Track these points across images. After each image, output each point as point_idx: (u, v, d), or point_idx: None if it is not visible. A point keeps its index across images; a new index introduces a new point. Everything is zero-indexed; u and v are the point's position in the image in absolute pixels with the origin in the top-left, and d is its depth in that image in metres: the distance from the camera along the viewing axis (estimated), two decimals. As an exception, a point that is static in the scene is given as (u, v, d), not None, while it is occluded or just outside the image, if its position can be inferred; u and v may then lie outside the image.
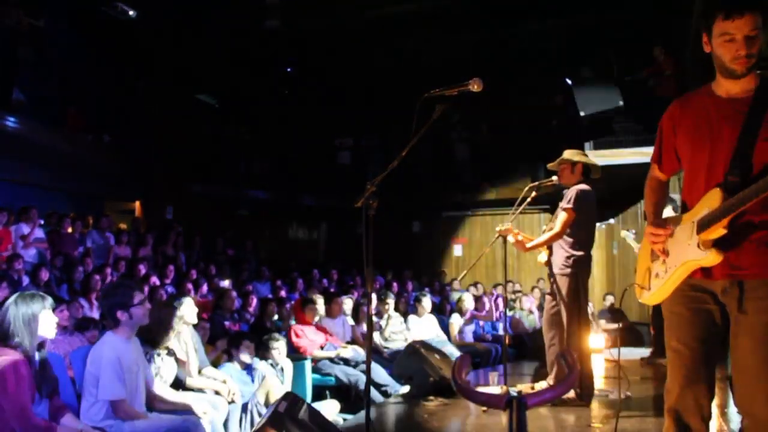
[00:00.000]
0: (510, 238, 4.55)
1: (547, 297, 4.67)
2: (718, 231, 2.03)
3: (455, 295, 9.45)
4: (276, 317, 6.83)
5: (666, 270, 2.18)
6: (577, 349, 4.35)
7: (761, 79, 2.07)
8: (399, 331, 7.21)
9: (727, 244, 2.03)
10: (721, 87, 2.14)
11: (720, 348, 2.14)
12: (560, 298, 4.46)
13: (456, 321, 7.78)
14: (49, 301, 3.10)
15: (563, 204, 4.43)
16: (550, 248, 4.63)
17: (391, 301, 7.29)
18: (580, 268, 4.42)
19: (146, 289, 6.65)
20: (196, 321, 4.71)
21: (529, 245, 4.54)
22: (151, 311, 3.29)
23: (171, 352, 4.10)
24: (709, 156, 2.11)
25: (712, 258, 2.04)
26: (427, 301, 7.53)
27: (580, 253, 4.42)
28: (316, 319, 6.51)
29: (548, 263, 4.63)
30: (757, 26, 2.00)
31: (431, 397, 4.88)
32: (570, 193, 4.42)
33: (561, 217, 4.39)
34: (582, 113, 8.53)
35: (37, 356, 3.01)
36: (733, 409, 4.46)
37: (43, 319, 3.02)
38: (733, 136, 2.06)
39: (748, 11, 1.99)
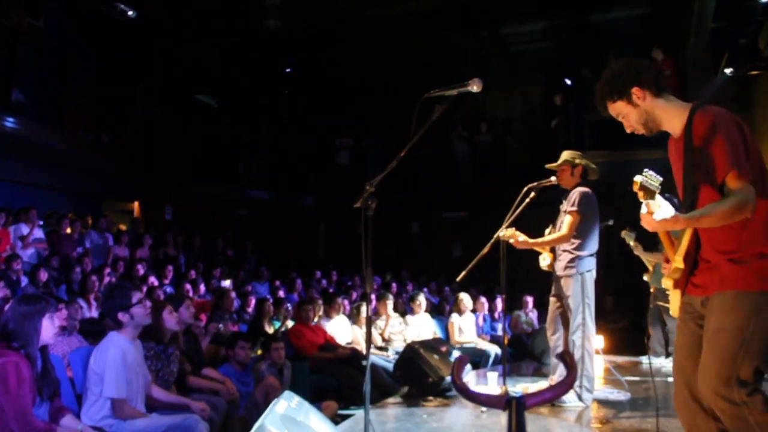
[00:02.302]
0: (512, 241, 4.55)
1: (552, 298, 4.68)
2: (675, 263, 2.34)
3: (454, 296, 9.44)
4: (275, 317, 6.83)
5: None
6: (581, 349, 4.35)
7: (688, 115, 2.26)
8: (398, 331, 7.20)
9: (701, 269, 2.31)
10: (669, 131, 2.40)
11: None
12: (565, 299, 4.46)
13: (456, 320, 7.77)
14: (54, 303, 3.09)
15: (567, 207, 4.44)
16: (553, 251, 4.64)
17: (390, 302, 7.28)
18: (585, 269, 4.44)
19: (144, 289, 6.64)
20: (193, 322, 4.70)
21: (532, 241, 4.53)
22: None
23: (177, 349, 4.11)
24: (680, 191, 2.37)
25: (667, 284, 2.40)
26: (422, 299, 7.51)
27: (585, 254, 4.44)
28: (316, 319, 6.50)
29: (551, 266, 4.65)
30: (618, 113, 2.36)
31: (431, 397, 4.88)
32: (573, 196, 4.44)
33: (567, 219, 4.40)
34: (582, 114, 8.53)
35: (39, 358, 3.00)
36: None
37: (45, 322, 3.01)
38: (680, 173, 2.32)
39: (604, 111, 2.39)
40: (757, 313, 2.11)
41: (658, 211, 2.12)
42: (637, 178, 2.08)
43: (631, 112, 2.32)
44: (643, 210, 2.13)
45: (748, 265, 2.15)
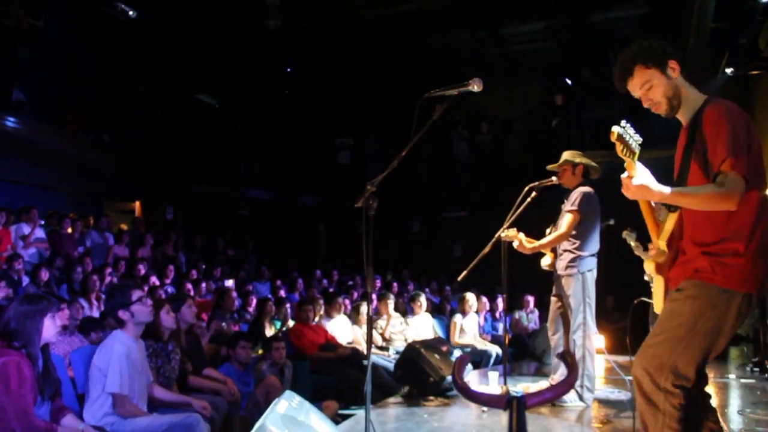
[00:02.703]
0: (515, 243, 4.56)
1: (553, 298, 4.68)
2: (657, 244, 2.33)
3: (455, 295, 9.44)
4: (276, 317, 6.83)
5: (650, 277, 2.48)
6: (582, 349, 4.36)
7: (700, 106, 2.25)
8: (399, 331, 7.20)
9: (682, 260, 2.31)
10: (680, 119, 2.37)
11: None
12: (566, 298, 4.47)
13: (459, 320, 7.77)
14: (55, 303, 3.09)
15: (568, 206, 4.45)
16: (554, 251, 4.64)
17: (391, 302, 7.28)
18: (586, 269, 4.44)
19: (145, 289, 6.64)
20: (194, 321, 4.71)
21: (532, 245, 4.55)
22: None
23: (177, 346, 4.12)
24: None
25: (647, 266, 2.41)
26: (423, 300, 7.52)
27: (586, 254, 4.44)
28: (316, 319, 6.50)
29: (552, 266, 4.65)
30: (645, 81, 2.27)
31: (431, 397, 4.88)
32: (574, 196, 4.45)
33: (567, 218, 4.41)
34: (582, 114, 8.54)
35: (41, 358, 3.00)
36: (733, 409, 4.47)
37: (48, 322, 3.01)
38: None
39: (628, 77, 2.29)
40: (713, 307, 2.11)
41: (637, 175, 2.07)
42: (615, 128, 2.00)
43: (661, 83, 2.25)
44: (624, 174, 2.09)
45: (720, 260, 2.14)
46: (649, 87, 2.26)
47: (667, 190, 2.09)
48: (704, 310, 2.11)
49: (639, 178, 2.07)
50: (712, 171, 2.12)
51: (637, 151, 2.05)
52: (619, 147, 2.02)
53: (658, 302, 2.37)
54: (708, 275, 2.14)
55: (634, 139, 2.03)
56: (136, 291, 3.53)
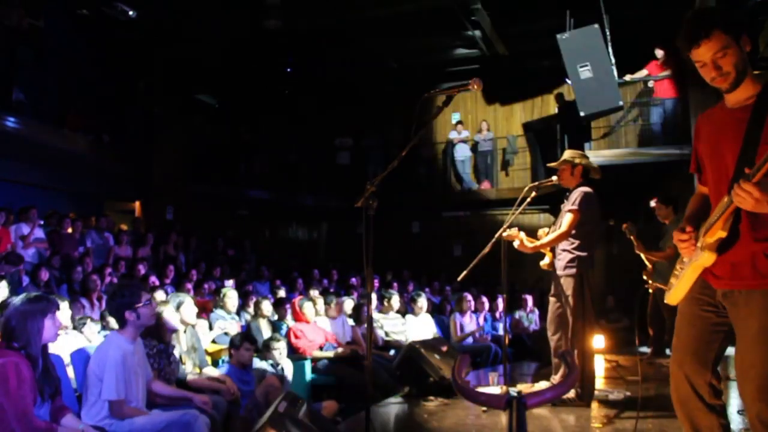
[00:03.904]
0: (515, 243, 4.56)
1: (551, 298, 4.68)
2: (717, 233, 2.09)
3: (455, 295, 9.44)
4: (275, 317, 6.82)
5: (681, 272, 2.29)
6: (580, 349, 4.36)
7: (765, 83, 2.10)
8: (399, 331, 7.20)
9: (730, 255, 2.11)
10: (727, 98, 2.21)
11: (719, 349, 2.23)
12: (565, 299, 4.47)
13: (458, 320, 7.78)
14: (56, 303, 3.09)
15: (568, 206, 4.44)
16: (552, 250, 4.64)
17: (394, 301, 7.31)
18: (585, 269, 4.44)
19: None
20: (195, 321, 4.71)
21: (533, 245, 4.55)
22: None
23: (177, 348, 4.12)
24: (722, 165, 2.17)
25: (705, 258, 2.13)
26: (423, 300, 7.53)
27: (584, 253, 4.44)
28: (316, 319, 6.50)
29: (551, 265, 4.65)
30: (721, 47, 2.06)
31: (431, 397, 4.88)
32: (574, 195, 4.45)
33: (567, 218, 4.41)
34: (582, 113, 8.53)
35: (40, 358, 3.00)
36: (733, 409, 4.45)
37: (48, 323, 3.01)
38: (738, 143, 2.10)
39: (704, 39, 2.06)
40: None
41: (762, 181, 1.88)
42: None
43: (735, 54, 2.08)
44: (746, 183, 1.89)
45: None
46: (723, 55, 2.07)
47: None
48: None
49: (766, 185, 1.89)
50: None
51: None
52: None
53: (679, 293, 2.27)
54: None
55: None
56: (144, 293, 3.52)
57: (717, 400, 2.21)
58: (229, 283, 8.44)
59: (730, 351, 2.23)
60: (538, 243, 4.55)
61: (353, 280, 10.38)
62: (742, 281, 2.09)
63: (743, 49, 2.11)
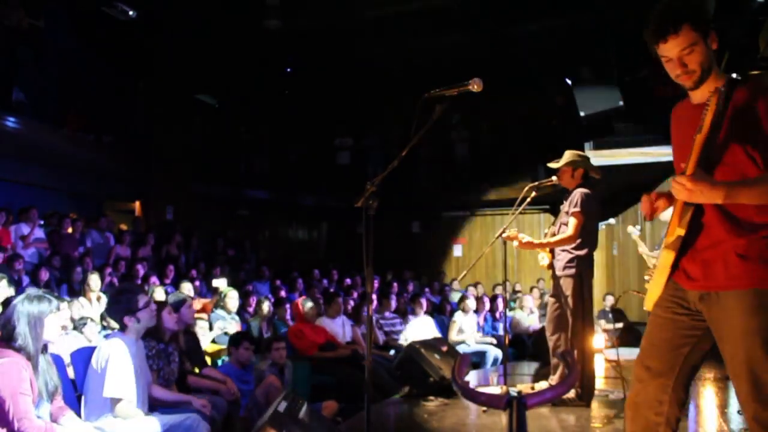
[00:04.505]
0: (515, 243, 4.56)
1: (550, 299, 4.68)
2: (675, 231, 2.07)
3: (455, 296, 9.45)
4: (276, 317, 6.83)
5: (652, 275, 2.25)
6: (580, 349, 4.36)
7: (726, 82, 2.07)
8: (399, 331, 7.22)
9: (694, 255, 2.09)
10: (692, 95, 2.19)
11: (696, 353, 2.15)
12: (564, 299, 4.47)
13: (459, 319, 7.78)
14: (56, 303, 3.10)
15: (570, 208, 4.44)
16: (552, 251, 4.64)
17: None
18: (584, 269, 4.44)
19: (146, 288, 6.64)
20: (194, 321, 4.72)
21: (536, 242, 4.54)
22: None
23: (176, 348, 4.12)
24: (685, 161, 2.14)
25: (664, 257, 2.11)
26: (423, 300, 7.55)
27: (583, 253, 4.44)
28: (316, 319, 6.51)
29: (551, 266, 4.65)
30: (688, 44, 2.03)
31: (431, 397, 4.88)
32: (575, 197, 4.44)
33: (572, 221, 4.39)
34: (582, 113, 8.53)
35: (40, 359, 3.00)
36: (733, 409, 4.46)
37: (48, 322, 3.01)
38: (685, 144, 2.09)
39: (671, 34, 2.02)
40: None
41: (696, 171, 1.90)
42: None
43: (702, 51, 2.03)
44: (679, 175, 1.90)
45: (759, 261, 1.98)
46: (690, 51, 2.03)
47: (729, 188, 1.93)
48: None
49: (699, 176, 1.92)
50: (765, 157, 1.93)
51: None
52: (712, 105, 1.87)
53: (652, 297, 2.22)
54: (759, 282, 1.98)
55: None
56: (142, 296, 3.53)
57: (675, 410, 2.12)
58: (221, 281, 8.43)
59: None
60: (543, 241, 4.55)
61: (352, 280, 10.39)
62: (716, 282, 2.05)
63: (710, 47, 2.07)
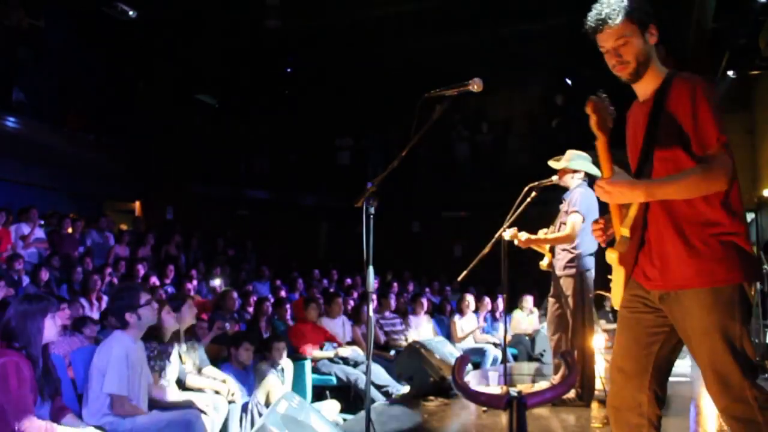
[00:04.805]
0: (516, 241, 4.55)
1: (551, 299, 4.68)
2: (620, 231, 2.10)
3: (455, 296, 9.44)
4: (275, 317, 6.83)
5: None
6: (580, 349, 4.36)
7: (664, 79, 2.11)
8: (399, 331, 7.22)
9: (650, 254, 2.11)
10: (636, 91, 2.22)
11: (666, 348, 2.16)
12: (564, 299, 4.47)
13: (458, 320, 7.78)
14: (56, 303, 3.10)
15: (569, 208, 4.43)
16: (552, 251, 4.64)
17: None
18: (584, 269, 4.44)
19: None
20: (194, 321, 4.71)
21: (535, 237, 4.53)
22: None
23: (177, 348, 4.12)
24: (634, 159, 2.19)
25: (609, 258, 2.15)
26: (423, 300, 7.56)
27: (584, 253, 4.44)
28: (316, 319, 6.51)
29: (550, 266, 4.65)
30: (622, 35, 2.06)
31: (431, 397, 4.88)
32: (574, 197, 4.44)
33: (571, 220, 4.39)
34: (583, 114, 8.52)
35: (41, 358, 3.01)
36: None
37: (48, 322, 3.01)
38: (641, 139, 2.13)
39: (607, 25, 2.07)
40: (735, 305, 1.98)
41: (615, 174, 1.93)
42: (593, 97, 1.87)
43: (637, 43, 2.07)
44: (599, 179, 1.94)
45: (713, 259, 1.99)
46: (624, 42, 2.07)
47: (646, 184, 1.97)
48: (732, 312, 1.98)
49: (618, 177, 1.95)
50: (704, 151, 1.96)
51: (609, 128, 1.91)
52: (593, 119, 1.90)
53: (616, 296, 2.23)
54: (709, 280, 1.99)
55: (610, 113, 1.91)
56: (144, 294, 3.54)
57: (655, 409, 2.12)
58: (217, 282, 8.43)
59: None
60: (541, 237, 4.54)
61: (352, 280, 10.38)
62: (673, 282, 2.06)
63: (648, 41, 2.10)
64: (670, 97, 2.05)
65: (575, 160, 4.57)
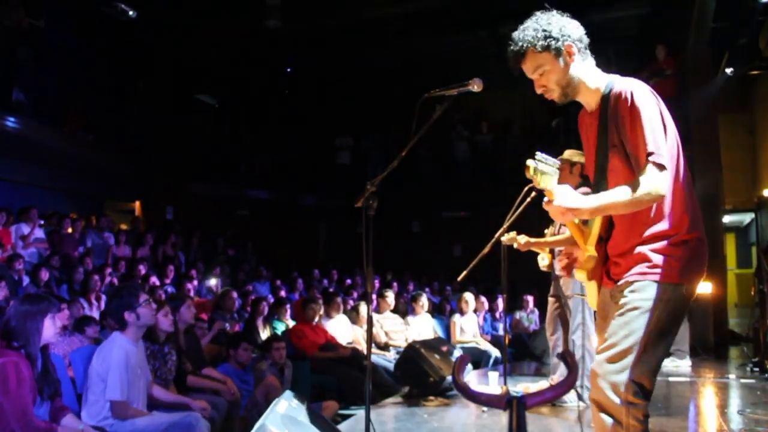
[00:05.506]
0: (515, 244, 4.55)
1: (551, 299, 4.68)
2: (587, 252, 2.18)
3: (455, 295, 9.44)
4: (275, 317, 6.83)
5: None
6: (581, 349, 4.36)
7: (603, 92, 2.11)
8: (399, 331, 7.21)
9: (614, 260, 2.15)
10: (582, 103, 2.23)
11: None
12: (564, 299, 4.47)
13: (458, 320, 7.78)
14: (56, 303, 3.10)
15: None
16: (551, 252, 4.64)
17: (390, 297, 7.31)
18: None
19: (146, 289, 6.64)
20: (192, 322, 4.72)
21: (534, 240, 4.53)
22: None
23: (173, 348, 4.12)
24: (589, 170, 2.22)
25: (578, 277, 2.24)
26: (424, 300, 7.55)
27: (583, 252, 4.43)
28: (316, 319, 6.51)
29: (550, 266, 4.64)
30: (536, 67, 2.11)
31: (431, 397, 4.88)
32: None
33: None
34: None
35: (40, 358, 3.00)
36: (733, 409, 4.46)
37: (48, 323, 3.01)
38: (593, 151, 2.15)
39: (520, 61, 2.13)
40: (662, 303, 1.99)
41: (558, 197, 1.96)
42: (530, 163, 1.91)
43: (555, 70, 2.09)
44: (545, 199, 1.98)
45: (653, 254, 2.02)
46: (542, 72, 2.11)
47: (592, 202, 1.99)
48: (655, 307, 1.99)
49: (559, 199, 1.97)
50: (638, 167, 1.97)
51: (556, 175, 1.96)
52: (535, 180, 1.95)
53: (592, 299, 2.29)
54: (650, 275, 2.01)
55: (550, 166, 1.95)
56: (142, 294, 3.55)
57: (639, 399, 2.07)
58: (213, 282, 8.43)
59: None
60: (540, 240, 4.53)
61: (352, 280, 10.38)
62: (620, 276, 2.10)
63: (566, 63, 2.10)
64: (612, 111, 2.05)
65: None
